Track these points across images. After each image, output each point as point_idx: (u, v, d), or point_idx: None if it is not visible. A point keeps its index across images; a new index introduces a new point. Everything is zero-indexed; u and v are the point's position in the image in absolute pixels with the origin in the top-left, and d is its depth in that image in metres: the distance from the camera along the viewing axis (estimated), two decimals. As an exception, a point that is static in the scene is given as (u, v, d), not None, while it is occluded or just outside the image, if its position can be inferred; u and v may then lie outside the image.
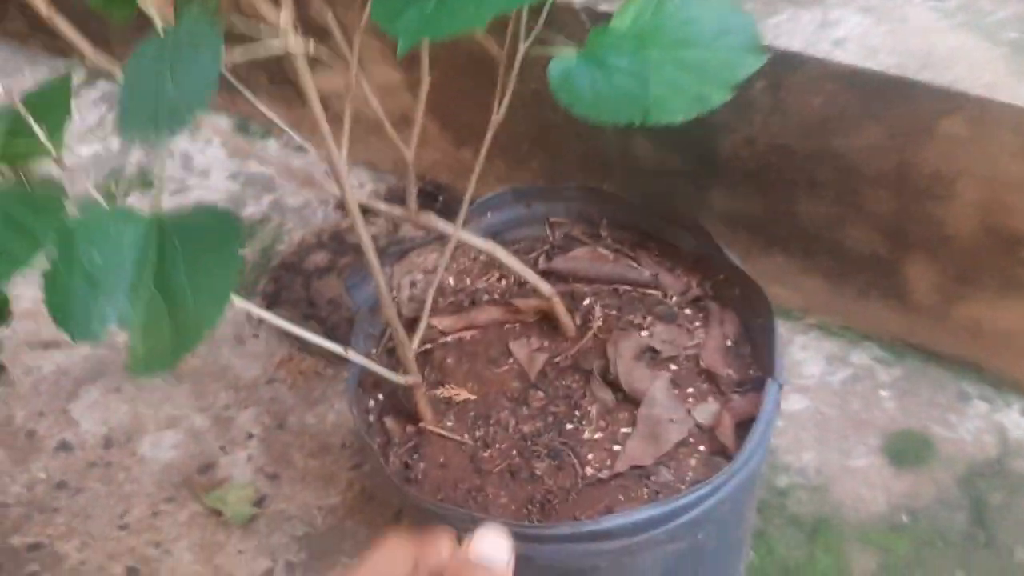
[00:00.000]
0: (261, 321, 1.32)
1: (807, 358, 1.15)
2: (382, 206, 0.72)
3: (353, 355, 0.71)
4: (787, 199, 1.03)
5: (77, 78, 1.81)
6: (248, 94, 1.19)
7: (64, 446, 1.25)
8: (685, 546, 0.74)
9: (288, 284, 1.35)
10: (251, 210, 1.48)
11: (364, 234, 0.67)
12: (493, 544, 0.49)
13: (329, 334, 1.30)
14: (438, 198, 1.33)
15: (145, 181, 1.56)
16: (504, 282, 0.92)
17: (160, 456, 1.21)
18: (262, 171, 1.54)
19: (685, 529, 0.71)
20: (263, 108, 1.03)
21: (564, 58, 0.64)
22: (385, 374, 0.73)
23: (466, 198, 0.73)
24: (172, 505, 1.16)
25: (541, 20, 0.65)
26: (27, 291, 1.43)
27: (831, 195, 1.00)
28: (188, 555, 1.11)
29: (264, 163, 1.55)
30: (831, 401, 1.10)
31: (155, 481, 1.19)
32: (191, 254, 0.42)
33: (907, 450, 1.05)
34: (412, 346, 0.73)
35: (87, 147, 1.65)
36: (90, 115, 1.71)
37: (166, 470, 1.20)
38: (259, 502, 1.14)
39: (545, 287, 0.82)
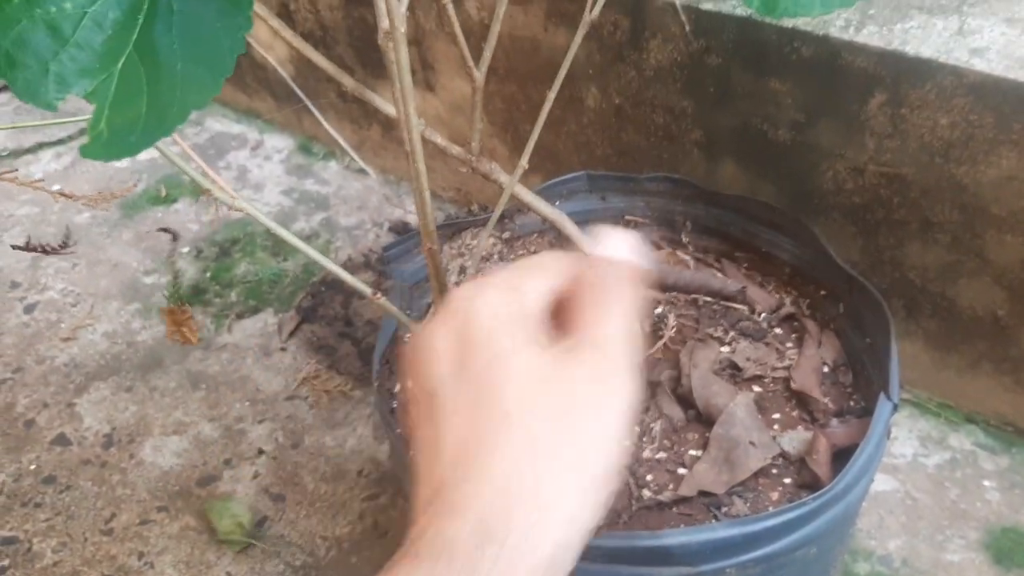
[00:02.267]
0: (291, 334, 1.22)
1: (898, 436, 1.00)
2: (439, 139, 0.62)
3: (383, 301, 0.59)
4: (894, 243, 0.91)
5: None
6: (315, 110, 1.12)
7: (62, 440, 1.14)
8: (758, 595, 0.60)
9: (326, 300, 1.25)
10: (300, 225, 1.40)
11: (420, 165, 0.57)
12: (621, 242, 0.41)
13: (363, 355, 1.19)
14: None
15: (198, 189, 1.49)
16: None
17: (160, 462, 1.10)
18: (318, 189, 1.46)
19: (762, 568, 0.57)
20: (328, 127, 0.95)
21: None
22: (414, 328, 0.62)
23: (522, 161, 0.62)
24: (163, 515, 1.04)
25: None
26: (56, 283, 1.35)
27: (948, 239, 0.87)
28: (172, 571, 0.98)
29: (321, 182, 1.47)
30: (924, 486, 0.95)
31: (150, 488, 1.07)
32: (190, 14, 0.32)
33: (1014, 550, 0.89)
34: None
35: (144, 153, 1.59)
36: (154, 123, 1.66)
37: (164, 477, 1.08)
38: (260, 523, 1.01)
39: (616, 277, 0.70)
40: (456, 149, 0.63)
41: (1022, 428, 0.96)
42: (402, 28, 0.46)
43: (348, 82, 0.61)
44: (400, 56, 0.46)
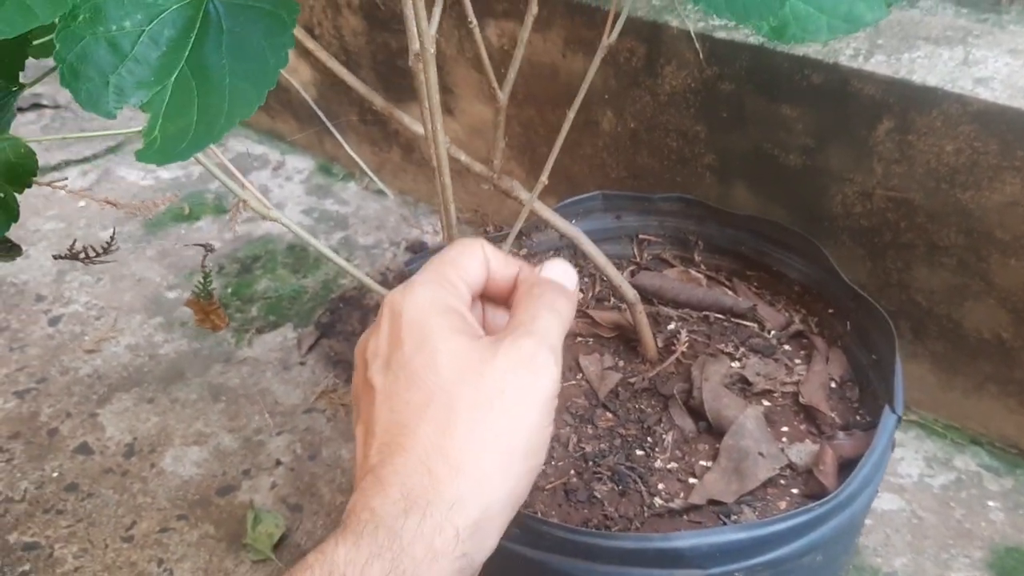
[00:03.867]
0: (310, 349, 1.24)
1: (905, 457, 1.01)
2: (463, 156, 0.65)
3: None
4: (901, 266, 0.93)
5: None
6: (336, 132, 1.15)
7: (84, 449, 1.16)
8: (764, 601, 0.61)
9: (344, 316, 1.28)
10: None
11: (447, 179, 0.60)
12: (563, 269, 0.46)
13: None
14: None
15: (220, 207, 1.53)
16: (582, 295, 0.82)
17: (180, 472, 1.12)
18: (338, 209, 1.49)
19: (770, 573, 0.59)
20: (349, 149, 0.99)
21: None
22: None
23: (542, 177, 0.64)
24: (183, 523, 1.06)
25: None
26: (80, 296, 1.38)
27: (953, 262, 0.89)
28: (190, 578, 1.00)
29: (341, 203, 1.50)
30: (929, 505, 0.97)
31: (170, 496, 1.09)
32: (238, 33, 0.35)
33: (1017, 569, 0.90)
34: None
35: (168, 172, 1.63)
36: (178, 143, 1.70)
37: (184, 486, 1.10)
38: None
39: (630, 291, 0.72)
40: (479, 167, 0.66)
41: (1027, 450, 0.98)
42: (432, 49, 0.49)
43: (378, 101, 0.64)
44: (430, 75, 0.49)
